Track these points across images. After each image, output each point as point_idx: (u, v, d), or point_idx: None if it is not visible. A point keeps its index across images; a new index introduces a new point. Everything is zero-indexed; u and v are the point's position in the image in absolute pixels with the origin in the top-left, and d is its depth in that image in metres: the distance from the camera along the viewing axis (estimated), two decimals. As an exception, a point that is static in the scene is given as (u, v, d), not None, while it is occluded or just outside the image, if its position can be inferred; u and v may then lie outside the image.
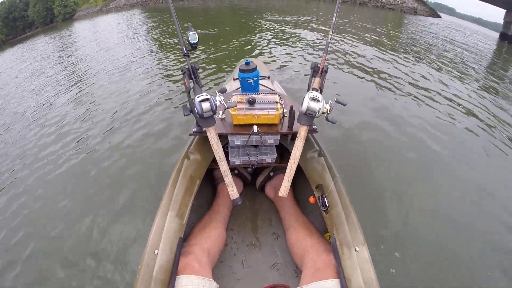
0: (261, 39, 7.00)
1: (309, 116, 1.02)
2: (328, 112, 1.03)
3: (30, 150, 3.39)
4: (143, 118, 3.43)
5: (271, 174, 1.51)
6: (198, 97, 1.02)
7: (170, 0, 1.20)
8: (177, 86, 4.28)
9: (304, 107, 1.01)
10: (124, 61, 6.47)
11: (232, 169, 1.12)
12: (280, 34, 7.57)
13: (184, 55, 1.14)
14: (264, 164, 1.35)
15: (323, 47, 5.92)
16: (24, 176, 2.87)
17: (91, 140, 3.19)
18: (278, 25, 8.99)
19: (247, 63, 1.35)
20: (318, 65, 1.13)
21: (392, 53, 6.04)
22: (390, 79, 4.40)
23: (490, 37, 15.16)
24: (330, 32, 1.20)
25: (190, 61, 1.13)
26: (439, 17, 21.07)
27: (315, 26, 8.83)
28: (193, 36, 1.11)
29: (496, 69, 6.61)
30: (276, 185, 1.48)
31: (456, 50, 7.92)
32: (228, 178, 1.09)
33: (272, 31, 8.01)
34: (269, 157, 1.32)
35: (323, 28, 8.56)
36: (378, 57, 5.54)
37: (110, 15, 25.35)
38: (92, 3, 44.28)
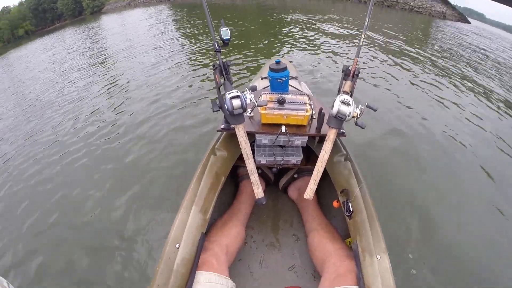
0: (288, 39, 6.93)
1: (339, 119, 1.00)
2: (358, 116, 1.01)
3: (62, 139, 3.52)
4: (172, 112, 3.50)
5: (295, 176, 1.50)
6: (229, 94, 1.01)
7: (204, 3, 1.19)
8: (207, 82, 4.31)
9: (334, 110, 0.99)
10: (155, 55, 6.59)
11: (256, 168, 1.12)
12: (307, 34, 7.46)
13: (215, 51, 1.14)
14: (289, 165, 1.34)
15: (351, 49, 5.90)
16: (57, 163, 3.00)
17: (121, 131, 3.29)
18: (305, 25, 8.88)
19: (277, 62, 1.33)
20: (350, 68, 1.11)
21: (420, 59, 5.82)
22: (417, 87, 4.24)
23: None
24: (362, 36, 1.17)
25: (222, 57, 1.13)
26: (468, 22, 20.19)
27: (342, 27, 8.63)
28: (225, 32, 1.11)
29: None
30: (300, 187, 1.47)
31: (485, 58, 7.57)
32: (254, 176, 1.08)
33: (299, 31, 7.91)
34: (295, 158, 1.30)
35: (350, 29, 8.36)
36: (406, 63, 5.36)
37: (138, 10, 25.86)
38: (120, -3, 45.41)
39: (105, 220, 2.08)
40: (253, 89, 1.10)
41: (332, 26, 8.82)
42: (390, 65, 5.14)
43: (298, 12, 12.25)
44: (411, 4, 18.84)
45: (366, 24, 1.21)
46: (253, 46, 6.35)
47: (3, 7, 55.76)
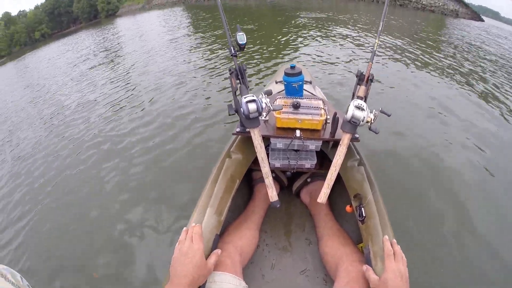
0: (302, 41, 6.89)
1: (353, 124, 1.02)
2: (372, 121, 1.02)
3: (73, 142, 3.61)
4: (187, 115, 3.50)
5: (308, 180, 1.50)
6: (245, 98, 1.03)
7: (219, 1, 1.22)
8: (223, 85, 4.30)
9: (348, 115, 1.00)
10: (171, 58, 6.61)
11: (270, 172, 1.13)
12: (321, 36, 7.37)
13: (231, 56, 1.16)
14: (303, 169, 1.35)
15: (366, 51, 5.90)
16: (68, 165, 3.09)
17: (139, 131, 3.37)
18: (318, 26, 8.82)
19: (292, 67, 1.35)
20: (364, 73, 1.12)
21: (433, 61, 5.67)
22: (432, 90, 4.10)
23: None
24: (376, 41, 1.18)
25: (238, 62, 1.15)
26: (482, 20, 19.83)
27: (356, 29, 8.52)
28: (241, 37, 1.13)
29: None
30: (313, 191, 1.47)
31: (502, 57, 7.36)
32: (269, 179, 1.09)
33: (313, 33, 7.83)
34: (309, 163, 1.31)
35: (364, 30, 8.26)
36: (419, 65, 5.22)
37: (153, 12, 26.21)
38: (135, 1, 46.41)
39: (120, 219, 2.13)
40: (269, 93, 1.12)
41: (346, 28, 8.72)
42: (404, 68, 5.03)
43: (312, 13, 12.23)
44: (424, 2, 18.64)
45: (380, 29, 1.22)
46: (267, 49, 6.32)
47: (20, 11, 58.02)
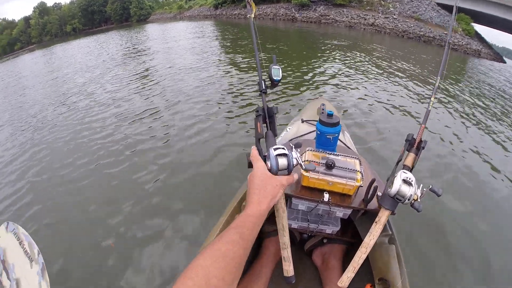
0: (328, 75, 6.41)
1: (396, 200, 0.83)
2: (418, 199, 0.81)
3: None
4: (204, 152, 3.19)
5: (324, 241, 1.29)
6: (275, 150, 0.78)
7: (252, 31, 0.98)
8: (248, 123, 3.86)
9: (394, 190, 0.81)
10: (199, 77, 6.30)
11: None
12: (348, 70, 6.95)
13: (260, 92, 0.92)
14: (323, 234, 1.16)
15: (393, 84, 5.79)
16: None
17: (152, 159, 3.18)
18: (346, 57, 8.65)
19: (330, 115, 1.12)
20: (415, 137, 0.93)
21: (461, 104, 5.41)
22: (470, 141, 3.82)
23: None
24: (432, 99, 1.01)
25: (267, 101, 0.91)
26: (504, 62, 20.06)
27: (384, 63, 8.31)
28: (276, 71, 0.91)
29: None
30: (327, 253, 1.26)
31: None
32: (287, 251, 0.87)
33: (340, 65, 7.44)
34: (331, 228, 1.12)
35: (392, 63, 8.16)
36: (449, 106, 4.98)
37: (183, 23, 26.77)
38: (167, 10, 48.46)
39: (124, 244, 2.05)
40: (298, 146, 0.86)
41: (374, 60, 8.54)
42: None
43: (339, 41, 12.34)
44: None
45: (436, 85, 1.05)
46: (291, 75, 6.01)
47: (55, 3, 61.68)
